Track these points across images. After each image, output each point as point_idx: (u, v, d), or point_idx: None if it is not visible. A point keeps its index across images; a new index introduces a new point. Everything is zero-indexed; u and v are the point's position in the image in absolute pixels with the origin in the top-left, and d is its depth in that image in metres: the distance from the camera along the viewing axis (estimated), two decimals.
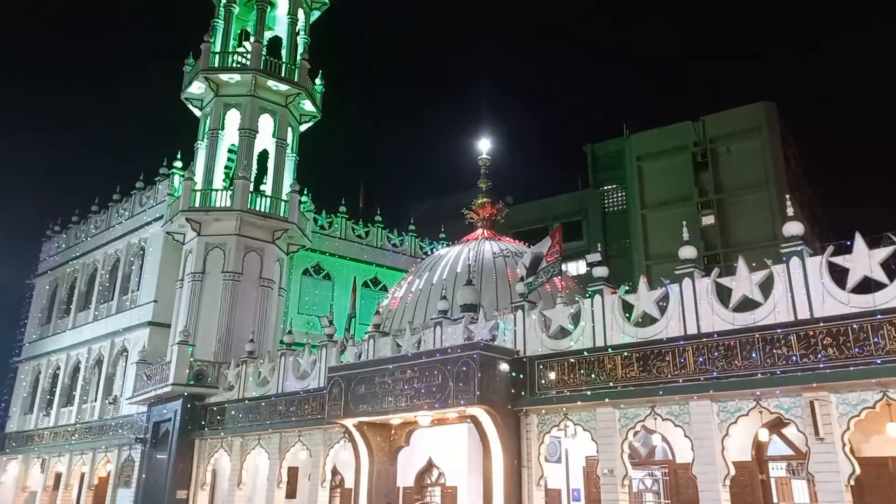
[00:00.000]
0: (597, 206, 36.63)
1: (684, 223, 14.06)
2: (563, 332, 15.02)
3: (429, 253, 28.68)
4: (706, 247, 30.14)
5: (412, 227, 30.52)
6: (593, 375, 13.80)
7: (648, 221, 32.50)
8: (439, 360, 14.60)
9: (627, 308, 14.14)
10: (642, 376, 13.17)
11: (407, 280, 22.70)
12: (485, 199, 24.14)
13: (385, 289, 27.78)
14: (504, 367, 14.64)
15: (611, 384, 13.53)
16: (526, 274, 15.81)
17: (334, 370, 16.63)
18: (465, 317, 16.66)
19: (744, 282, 12.64)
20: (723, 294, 13.76)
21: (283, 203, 25.02)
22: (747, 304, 12.70)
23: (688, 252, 13.43)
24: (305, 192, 27.28)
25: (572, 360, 14.19)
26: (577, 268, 35.54)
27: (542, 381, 14.54)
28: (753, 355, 12.02)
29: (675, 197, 31.72)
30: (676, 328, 13.08)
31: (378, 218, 29.94)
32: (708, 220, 31.04)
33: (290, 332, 20.57)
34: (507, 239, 23.89)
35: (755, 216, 29.67)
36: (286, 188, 25.75)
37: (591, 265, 14.86)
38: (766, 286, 12.54)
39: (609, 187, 37.27)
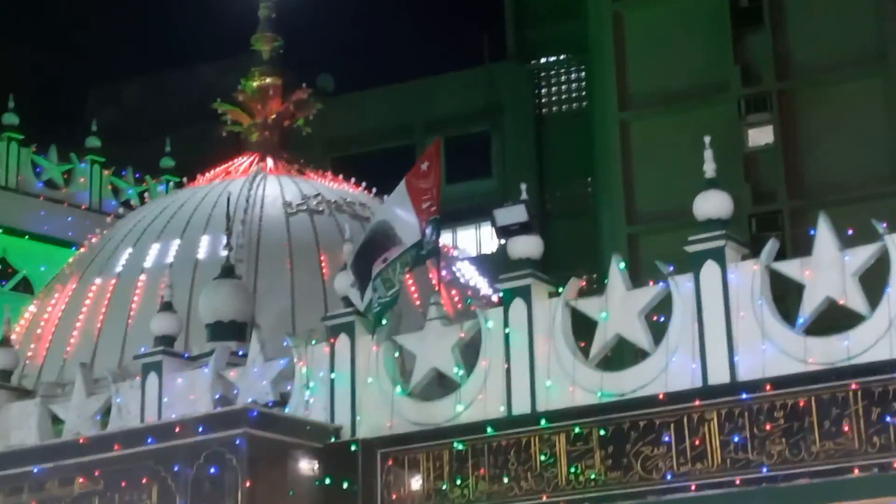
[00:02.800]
0: (522, 102, 37.76)
1: (707, 141, 14.63)
2: (441, 386, 15.68)
3: (134, 204, 28.54)
4: (755, 195, 31.90)
5: (93, 143, 30.19)
6: (507, 479, 14.60)
7: (634, 138, 33.85)
8: (154, 451, 15.07)
9: (583, 329, 14.88)
10: (613, 478, 14.07)
11: (80, 268, 22.71)
12: (267, 81, 24.50)
13: (29, 288, 27.45)
14: (307, 464, 15.21)
15: (545, 496, 14.38)
16: (358, 260, 16.12)
17: None
18: (217, 352, 17.06)
19: (830, 269, 13.55)
20: (789, 297, 14.60)
21: None
22: (833, 318, 13.68)
23: (715, 204, 14.25)
24: None
25: (461, 448, 14.92)
26: (475, 238, 36.42)
27: (395, 495, 15.22)
28: (847, 427, 13.01)
29: (693, 85, 33.24)
30: (686, 372, 13.98)
31: (10, 117, 29.11)
32: (760, 135, 32.77)
33: None
34: (319, 175, 24.48)
35: (858, 130, 31.63)
36: None
37: (504, 230, 15.38)
38: (874, 276, 13.54)
39: (549, 61, 38.46)
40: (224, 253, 19.01)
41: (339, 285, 16.37)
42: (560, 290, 14.98)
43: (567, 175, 36.80)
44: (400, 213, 16.08)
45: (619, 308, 14.46)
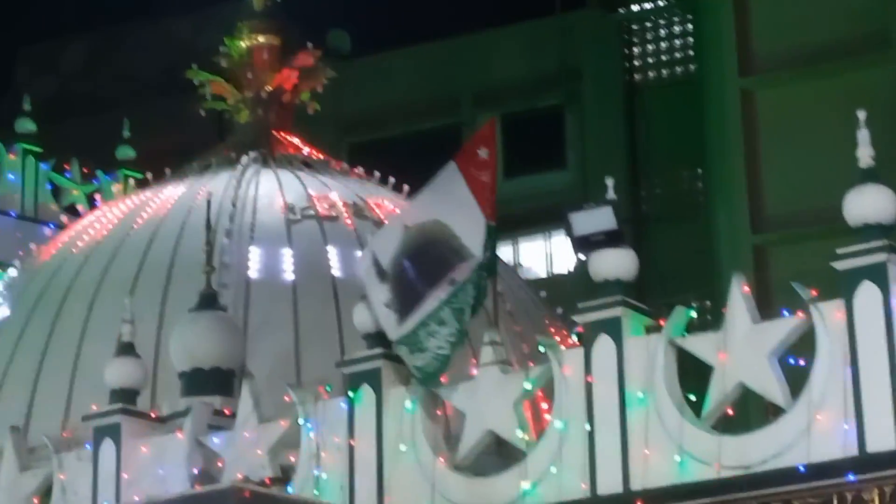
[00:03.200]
0: (607, 66, 37.67)
1: (862, 117, 14.53)
2: (500, 455, 15.76)
3: (81, 209, 28.75)
4: None
5: (26, 127, 30.40)
6: None
7: (761, 113, 33.65)
8: None
9: (693, 376, 14.89)
10: None
11: (9, 297, 23.10)
12: (260, 40, 24.83)
13: None
14: None
15: None
16: (399, 272, 16.29)
17: None
18: (195, 410, 17.23)
19: None
20: None
21: None
22: None
23: (873, 203, 14.21)
24: None
25: None
26: (544, 253, 36.29)
27: None
28: None
29: (842, 40, 32.96)
30: (836, 436, 13.92)
31: None
32: None
33: None
34: (333, 168, 24.68)
35: None
36: None
37: (584, 242, 15.39)
38: None
39: (644, 9, 38.32)
40: (204, 275, 19.04)
41: (361, 318, 16.39)
42: (662, 322, 14.94)
43: (669, 165, 36.52)
44: (458, 213, 16.20)
45: (744, 347, 14.39)
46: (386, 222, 21.84)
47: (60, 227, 26.45)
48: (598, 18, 38.12)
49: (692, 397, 14.61)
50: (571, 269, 34.20)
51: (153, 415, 17.48)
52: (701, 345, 14.67)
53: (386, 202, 23.06)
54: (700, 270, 32.73)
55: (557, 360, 15.20)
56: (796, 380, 14.10)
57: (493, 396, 15.47)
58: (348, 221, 22.11)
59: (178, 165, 24.31)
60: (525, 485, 14.98)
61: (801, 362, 14.16)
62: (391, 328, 15.96)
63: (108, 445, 16.82)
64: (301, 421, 16.21)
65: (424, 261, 16.14)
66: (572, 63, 37.53)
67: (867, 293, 13.81)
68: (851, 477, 13.47)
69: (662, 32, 37.81)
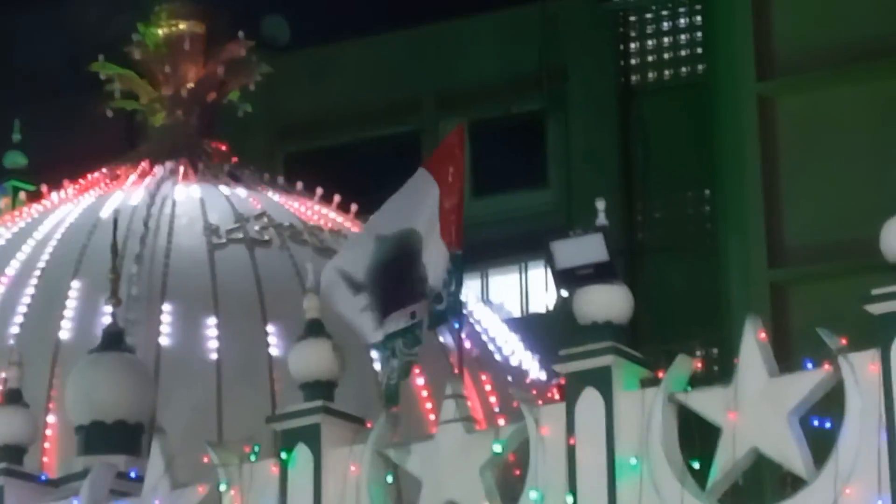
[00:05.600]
0: (598, 65, 37.68)
1: None
2: None
3: None
4: None
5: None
6: None
7: (782, 124, 33.70)
8: None
9: (695, 436, 14.91)
10: None
11: None
12: (181, 27, 25.05)
13: None
14: None
15: None
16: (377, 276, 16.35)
17: None
18: (94, 472, 17.06)
19: None
20: None
21: None
22: None
23: None
24: None
25: None
26: (520, 288, 36.35)
27: None
28: None
29: (880, 38, 33.01)
30: None
31: None
32: None
33: None
34: (265, 183, 24.91)
35: None
36: None
37: (568, 276, 15.41)
38: None
39: None
40: (108, 310, 19.00)
41: (298, 363, 16.34)
42: (660, 374, 14.96)
43: (671, 185, 36.59)
44: (428, 231, 16.37)
45: (758, 406, 14.42)
46: (349, 237, 21.90)
47: None
48: (587, 7, 38.15)
49: (695, 465, 14.58)
50: (552, 308, 34.20)
51: (43, 476, 17.34)
52: (707, 402, 14.63)
53: (329, 224, 22.99)
54: (707, 312, 32.69)
55: (534, 418, 15.16)
56: (821, 446, 14.11)
57: (455, 460, 15.44)
58: (283, 247, 22.01)
59: (80, 176, 24.18)
60: None
61: (827, 424, 14.15)
62: (369, 331, 16.13)
63: None
64: (222, 487, 16.16)
65: (402, 269, 16.22)
66: (556, 60, 37.56)
67: None
68: None
69: (665, 25, 37.92)
